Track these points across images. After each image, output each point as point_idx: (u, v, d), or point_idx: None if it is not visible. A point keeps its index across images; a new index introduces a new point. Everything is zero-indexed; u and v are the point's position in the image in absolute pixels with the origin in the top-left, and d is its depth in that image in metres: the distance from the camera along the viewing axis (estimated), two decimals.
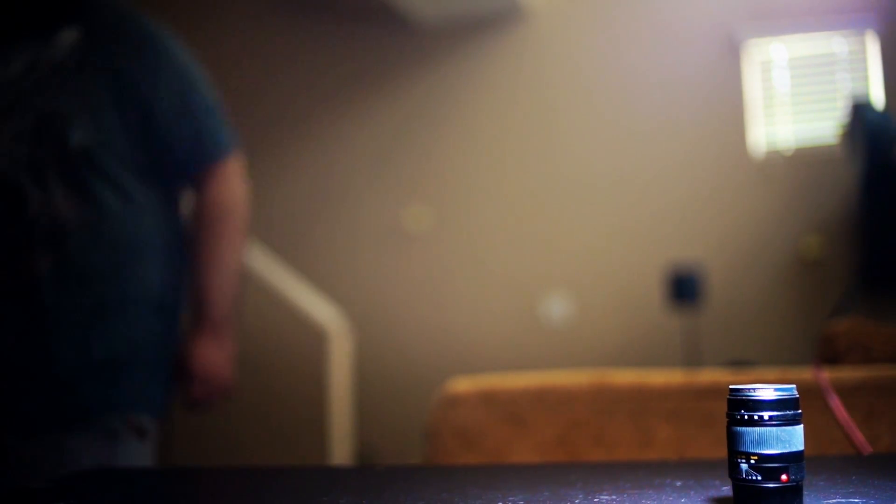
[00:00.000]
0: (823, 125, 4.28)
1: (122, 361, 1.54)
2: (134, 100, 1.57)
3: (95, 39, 1.58)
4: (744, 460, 0.66)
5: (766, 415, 0.66)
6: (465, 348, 4.52)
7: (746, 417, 0.66)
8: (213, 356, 1.65)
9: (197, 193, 1.68)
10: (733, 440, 0.67)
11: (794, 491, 0.66)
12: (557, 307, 4.50)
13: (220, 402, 1.71)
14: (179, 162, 1.64)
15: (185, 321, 1.70)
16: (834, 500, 0.68)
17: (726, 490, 0.75)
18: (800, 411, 0.67)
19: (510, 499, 0.75)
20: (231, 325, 1.70)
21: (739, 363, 3.57)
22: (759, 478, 0.65)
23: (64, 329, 1.50)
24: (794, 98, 4.38)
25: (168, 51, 1.65)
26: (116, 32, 1.61)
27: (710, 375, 1.41)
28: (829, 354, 1.41)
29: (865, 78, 4.24)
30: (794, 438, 0.66)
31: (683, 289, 3.85)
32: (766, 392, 0.66)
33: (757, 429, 0.66)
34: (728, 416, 0.68)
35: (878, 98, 4.15)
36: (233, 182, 1.70)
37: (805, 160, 4.26)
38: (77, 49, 1.55)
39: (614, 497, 0.74)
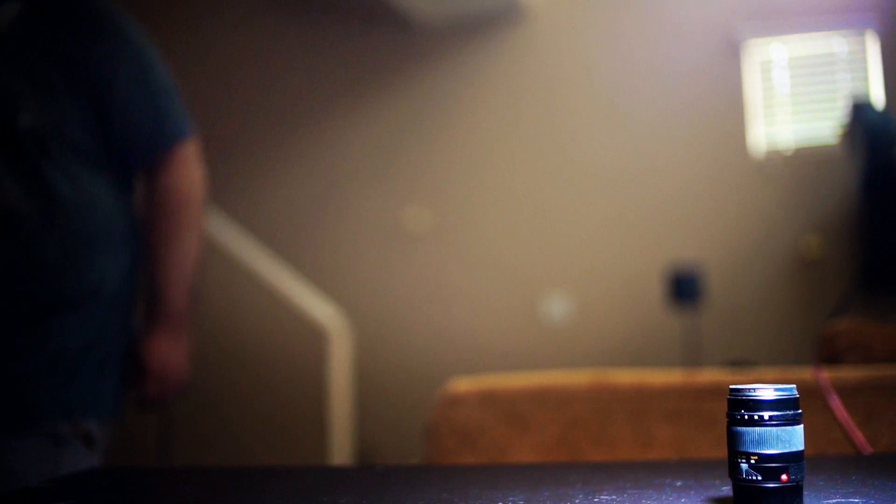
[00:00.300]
0: (823, 125, 4.28)
1: (73, 361, 1.45)
2: (88, 81, 1.47)
3: (42, 14, 1.47)
4: (744, 460, 0.66)
5: (766, 415, 0.66)
6: (465, 348, 4.52)
7: (746, 417, 0.66)
8: (170, 352, 1.57)
9: (153, 179, 1.58)
10: (733, 440, 0.67)
11: (794, 491, 0.66)
12: (557, 307, 4.50)
13: (174, 399, 1.63)
14: (137, 146, 1.55)
15: (139, 314, 1.63)
16: (834, 500, 0.68)
17: (726, 490, 0.75)
18: (800, 411, 0.67)
19: (510, 499, 0.75)
20: (188, 320, 1.61)
21: (739, 363, 3.57)
22: (759, 478, 0.65)
23: (15, 323, 1.42)
24: (794, 98, 4.38)
25: (123, 29, 1.53)
26: (65, 8, 1.50)
27: (710, 375, 1.41)
28: (829, 354, 1.41)
29: (865, 78, 4.24)
30: (794, 438, 0.66)
31: (683, 289, 3.85)
32: (766, 392, 0.66)
33: (757, 429, 0.66)
34: (728, 416, 0.68)
35: (878, 98, 4.15)
36: (191, 167, 1.59)
37: (805, 160, 4.26)
38: (21, 23, 1.45)
39: (614, 497, 0.74)
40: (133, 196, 1.59)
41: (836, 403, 1.17)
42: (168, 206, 1.57)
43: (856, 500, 0.68)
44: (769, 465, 0.65)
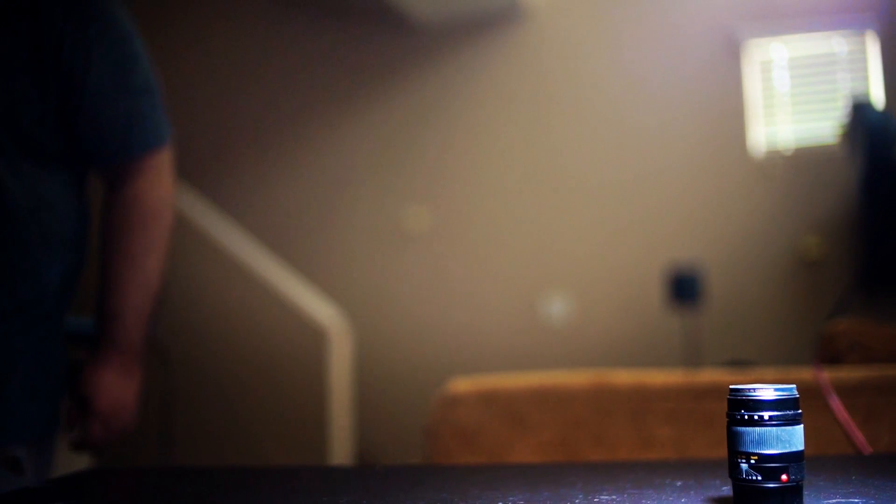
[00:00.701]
0: (823, 125, 4.28)
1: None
2: (57, 62, 1.24)
3: None
4: (744, 460, 0.66)
5: (766, 415, 0.66)
6: (465, 348, 4.52)
7: (746, 417, 0.66)
8: (122, 390, 1.34)
9: (118, 188, 1.36)
10: (733, 440, 0.67)
11: (794, 491, 0.66)
12: (557, 307, 4.50)
13: (114, 442, 1.37)
14: (105, 148, 1.33)
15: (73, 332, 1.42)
16: (834, 500, 0.68)
17: (726, 490, 0.75)
18: (800, 411, 0.67)
19: (510, 499, 0.75)
20: (142, 354, 1.38)
21: (739, 363, 3.57)
22: (759, 478, 0.65)
23: None
24: (794, 98, 4.38)
25: (109, 9, 1.31)
26: None
27: (710, 375, 1.41)
28: (829, 354, 1.41)
29: (865, 78, 4.24)
30: (794, 438, 0.66)
31: (683, 289, 3.85)
32: (766, 392, 0.66)
33: (757, 429, 0.66)
34: (728, 416, 0.68)
35: (878, 98, 4.15)
36: (165, 179, 1.38)
37: (805, 160, 4.26)
38: None
39: (614, 497, 0.74)
40: (85, 197, 1.38)
41: (836, 403, 1.17)
42: (134, 220, 1.35)
43: (856, 500, 0.68)
44: (769, 465, 0.65)
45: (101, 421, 1.32)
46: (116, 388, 1.33)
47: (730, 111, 4.36)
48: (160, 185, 1.37)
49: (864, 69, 4.24)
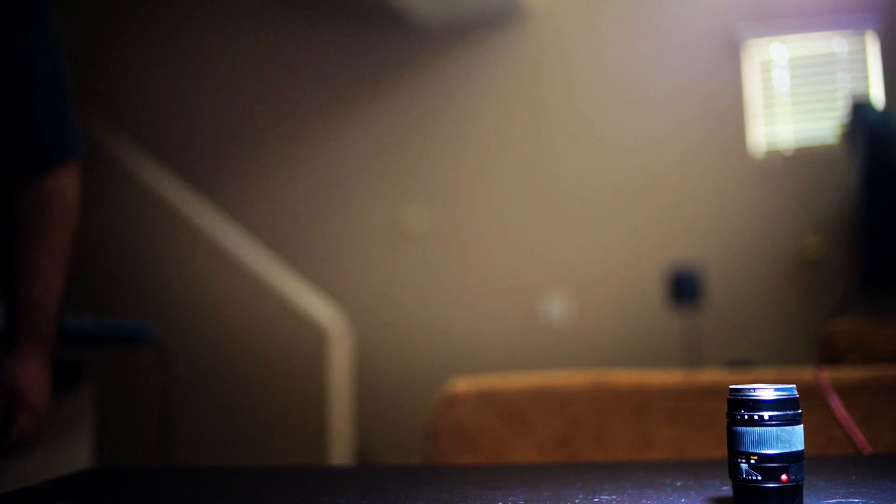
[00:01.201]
0: (823, 125, 4.28)
1: None
2: (9, 59, 1.22)
3: None
4: (744, 460, 0.66)
5: (766, 415, 0.66)
6: (465, 348, 4.52)
7: (746, 417, 0.66)
8: (47, 382, 1.30)
9: (34, 183, 1.32)
10: (733, 440, 0.67)
11: (794, 491, 0.66)
12: (557, 307, 4.50)
13: (27, 448, 1.31)
14: (35, 147, 1.30)
15: None
16: (834, 500, 0.68)
17: (726, 490, 0.75)
18: (800, 411, 0.67)
19: (510, 499, 0.74)
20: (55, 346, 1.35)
21: (739, 363, 3.57)
22: (759, 478, 0.65)
23: None
24: (794, 98, 4.38)
25: (47, 13, 1.28)
26: None
27: (710, 375, 1.41)
28: (829, 354, 1.41)
29: (865, 78, 4.24)
30: (794, 438, 0.66)
31: (683, 289, 3.85)
32: (766, 392, 0.66)
33: (757, 429, 0.66)
34: (728, 416, 0.68)
35: (878, 98, 4.15)
36: (78, 185, 1.37)
37: (805, 160, 4.26)
38: None
39: (614, 497, 0.74)
40: None
41: (836, 403, 1.17)
42: (56, 215, 1.33)
43: (856, 500, 0.68)
44: (769, 465, 0.65)
45: (34, 415, 1.28)
46: (44, 381, 1.30)
47: (730, 111, 4.36)
48: (77, 188, 1.36)
49: (864, 69, 4.24)
